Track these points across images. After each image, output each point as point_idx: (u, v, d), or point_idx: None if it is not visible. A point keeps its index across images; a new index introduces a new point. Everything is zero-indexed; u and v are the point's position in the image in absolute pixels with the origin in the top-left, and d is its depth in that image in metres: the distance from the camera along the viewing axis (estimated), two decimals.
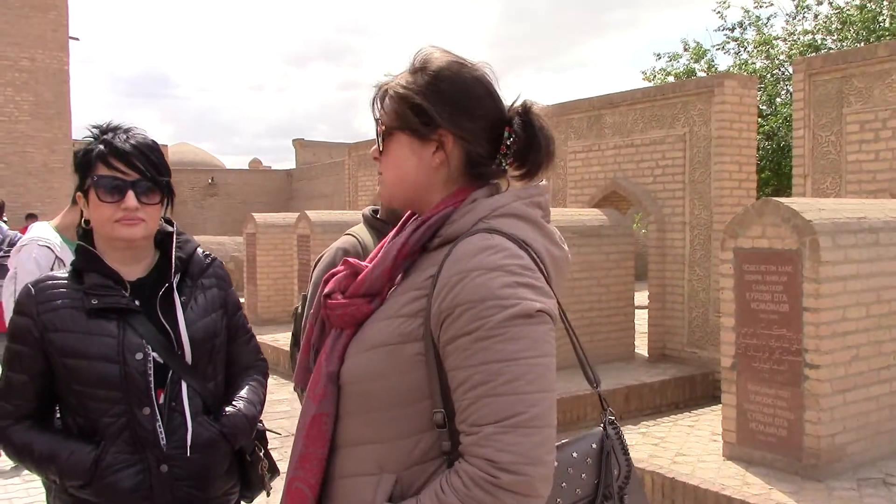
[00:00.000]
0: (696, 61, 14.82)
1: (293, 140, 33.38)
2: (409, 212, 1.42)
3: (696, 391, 7.12)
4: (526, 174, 1.36)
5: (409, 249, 1.31)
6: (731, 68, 13.90)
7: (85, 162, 1.86)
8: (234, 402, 1.98)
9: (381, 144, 1.38)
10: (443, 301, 1.19)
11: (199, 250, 2.05)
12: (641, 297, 8.95)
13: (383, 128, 1.37)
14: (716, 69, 14.77)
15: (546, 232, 1.33)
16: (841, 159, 6.58)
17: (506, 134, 1.34)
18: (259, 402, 2.04)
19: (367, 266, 1.36)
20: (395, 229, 1.41)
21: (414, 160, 1.34)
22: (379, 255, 1.35)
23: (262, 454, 2.06)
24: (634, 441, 5.06)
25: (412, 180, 1.35)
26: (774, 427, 4.45)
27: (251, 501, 2.10)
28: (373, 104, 1.39)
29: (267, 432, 2.14)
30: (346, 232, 2.37)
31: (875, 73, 6.37)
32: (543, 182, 1.38)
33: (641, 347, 8.21)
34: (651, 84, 14.90)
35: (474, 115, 1.32)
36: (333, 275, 1.38)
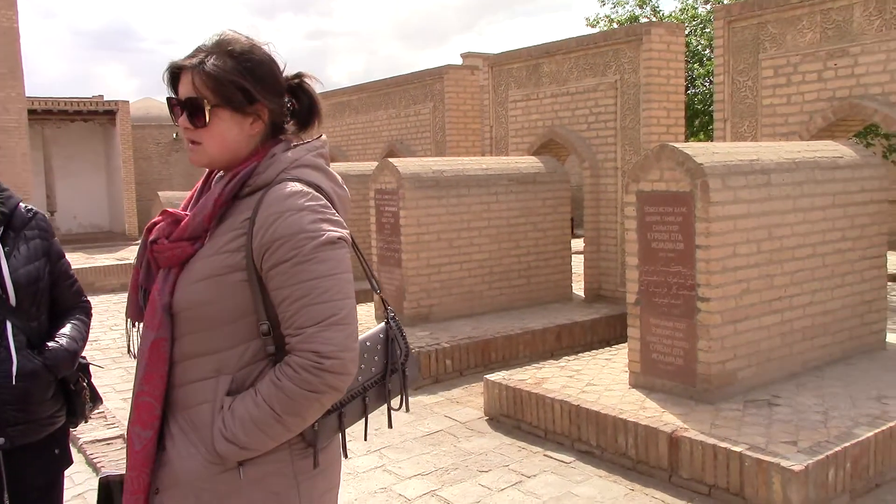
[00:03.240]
0: (641, 7, 14.95)
1: None
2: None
3: (626, 329, 7.47)
4: (299, 130, 1.70)
5: (225, 199, 1.58)
6: (674, 14, 14.09)
7: None
8: (56, 339, 2.27)
9: (206, 117, 1.56)
10: (262, 237, 1.51)
11: (22, 205, 2.30)
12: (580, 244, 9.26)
13: (209, 105, 1.56)
14: (661, 16, 14.91)
15: (331, 176, 1.67)
16: (757, 104, 6.87)
17: (286, 100, 1.66)
18: (81, 337, 2.34)
19: (186, 214, 1.61)
20: (201, 182, 1.69)
21: (236, 130, 1.61)
22: (199, 204, 1.61)
23: (84, 384, 2.37)
24: (552, 374, 5.42)
25: (234, 147, 1.62)
26: (672, 357, 4.81)
27: (76, 427, 2.42)
28: (178, 81, 1.61)
29: (90, 365, 2.43)
30: None
31: (788, 20, 6.62)
32: (323, 136, 1.71)
33: (580, 290, 8.58)
34: (595, 31, 15.05)
35: (277, 90, 1.63)
36: (154, 224, 1.64)
